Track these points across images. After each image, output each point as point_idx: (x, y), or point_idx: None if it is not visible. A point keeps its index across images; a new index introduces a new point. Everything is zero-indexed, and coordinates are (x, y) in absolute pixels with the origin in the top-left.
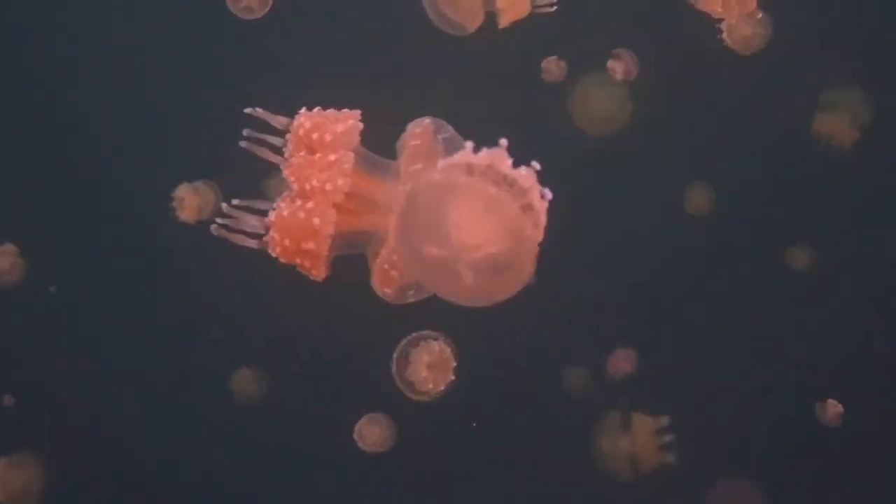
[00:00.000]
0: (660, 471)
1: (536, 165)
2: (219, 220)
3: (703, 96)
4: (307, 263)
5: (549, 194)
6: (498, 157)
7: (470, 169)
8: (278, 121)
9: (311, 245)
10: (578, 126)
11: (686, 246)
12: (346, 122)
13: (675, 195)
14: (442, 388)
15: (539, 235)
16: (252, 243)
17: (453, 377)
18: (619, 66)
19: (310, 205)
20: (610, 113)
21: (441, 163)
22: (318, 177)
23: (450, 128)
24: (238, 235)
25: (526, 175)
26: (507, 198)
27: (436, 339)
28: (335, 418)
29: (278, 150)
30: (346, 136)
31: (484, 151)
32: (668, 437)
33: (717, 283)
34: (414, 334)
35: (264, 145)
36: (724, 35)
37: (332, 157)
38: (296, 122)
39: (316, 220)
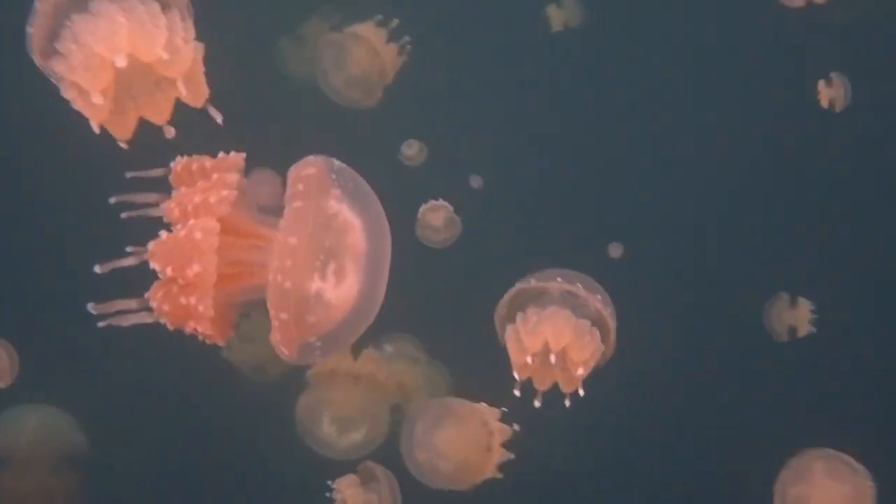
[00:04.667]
0: None
1: None
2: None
3: None
4: (193, 300)
5: None
6: None
7: None
8: (154, 173)
9: (196, 268)
10: None
11: None
12: (228, 154)
13: None
14: None
15: None
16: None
17: None
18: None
19: (191, 221)
20: None
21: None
22: (200, 195)
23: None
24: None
25: None
26: None
27: None
28: None
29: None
30: (230, 161)
31: None
32: None
33: None
34: None
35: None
36: None
37: (216, 176)
38: (172, 165)
39: (198, 234)
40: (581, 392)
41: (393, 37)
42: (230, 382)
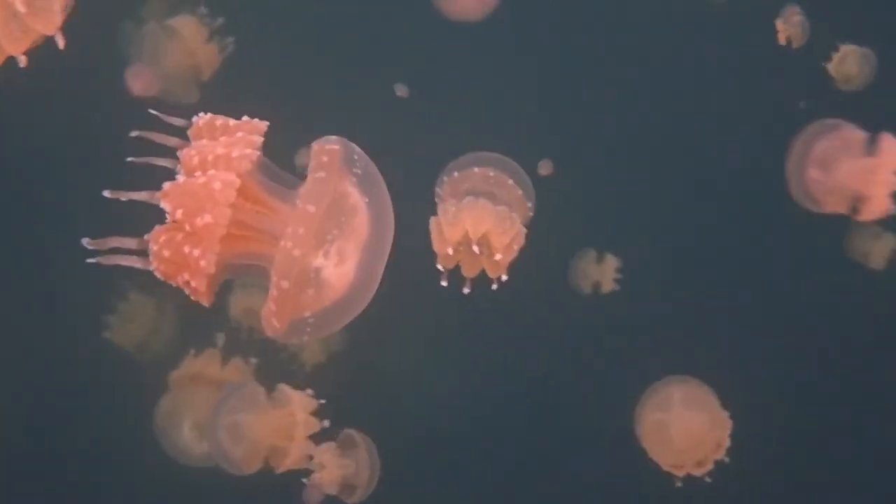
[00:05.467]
0: None
1: None
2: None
3: None
4: (197, 252)
5: None
6: None
7: None
8: (174, 121)
9: (207, 218)
10: None
11: None
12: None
13: None
14: None
15: None
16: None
17: None
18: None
19: (212, 171)
20: None
21: None
22: (223, 148)
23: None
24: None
25: None
26: None
27: None
28: None
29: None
30: (254, 124)
31: None
32: None
33: None
34: None
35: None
36: None
37: (240, 134)
38: (195, 118)
39: (217, 185)
40: (505, 277)
41: (214, 34)
42: (111, 361)
